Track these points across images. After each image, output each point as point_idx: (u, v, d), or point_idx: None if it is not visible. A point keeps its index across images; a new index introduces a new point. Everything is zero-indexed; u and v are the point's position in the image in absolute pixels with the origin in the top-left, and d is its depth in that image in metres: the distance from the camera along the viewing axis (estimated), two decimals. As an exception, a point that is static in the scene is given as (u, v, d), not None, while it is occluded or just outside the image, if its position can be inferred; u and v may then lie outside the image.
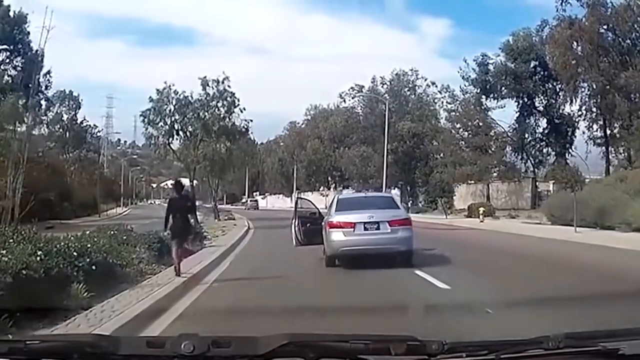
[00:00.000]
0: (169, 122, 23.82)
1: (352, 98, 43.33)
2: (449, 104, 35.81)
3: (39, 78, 35.98)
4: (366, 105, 41.65)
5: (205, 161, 25.31)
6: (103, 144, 64.87)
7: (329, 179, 60.85)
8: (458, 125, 33.76)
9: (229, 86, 24.62)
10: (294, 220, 10.54)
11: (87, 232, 8.37)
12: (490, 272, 8.56)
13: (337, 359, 1.46)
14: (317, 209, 11.21)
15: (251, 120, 26.18)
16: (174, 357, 1.46)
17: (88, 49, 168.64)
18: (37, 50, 36.03)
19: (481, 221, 22.32)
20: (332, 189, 59.97)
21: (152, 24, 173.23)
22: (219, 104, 24.50)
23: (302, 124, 63.89)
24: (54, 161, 35.38)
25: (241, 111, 25.12)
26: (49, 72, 37.08)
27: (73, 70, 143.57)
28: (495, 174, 32.33)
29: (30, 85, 24.09)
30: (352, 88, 42.60)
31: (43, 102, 36.87)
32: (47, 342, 1.57)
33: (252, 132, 33.38)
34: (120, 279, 6.66)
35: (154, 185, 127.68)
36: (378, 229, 9.00)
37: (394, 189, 39.21)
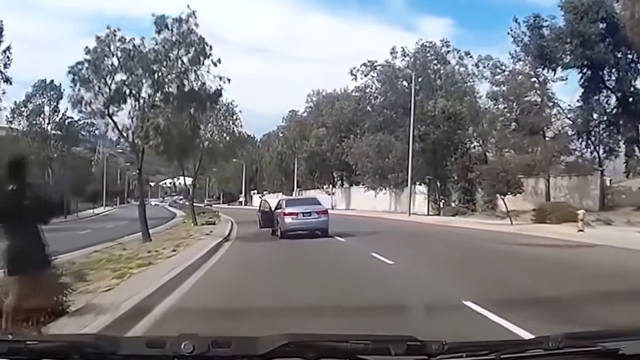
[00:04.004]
0: (110, 82, 19.97)
1: (365, 76, 43.05)
2: (496, 74, 35.06)
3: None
4: (385, 82, 41.60)
5: (157, 137, 20.67)
6: (99, 141, 68.32)
7: (334, 174, 61.53)
8: (511, 101, 32.50)
9: (196, 25, 20.49)
10: (259, 213, 23.03)
11: None
12: None
13: (337, 359, 1.84)
14: (270, 206, 22.75)
15: (229, 80, 21.51)
16: (174, 357, 1.83)
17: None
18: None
19: (580, 230, 18.89)
20: (338, 187, 60.81)
21: (151, 23, 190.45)
22: (181, 52, 20.48)
23: (303, 112, 65.18)
24: None
25: (215, 64, 20.83)
26: (8, 49, 38.15)
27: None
28: (562, 165, 30.97)
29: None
30: (364, 64, 42.52)
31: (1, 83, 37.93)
32: (47, 342, 1.97)
33: (240, 111, 33.45)
34: None
35: (152, 184, 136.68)
36: (310, 215, 19.72)
37: (420, 184, 39.15)
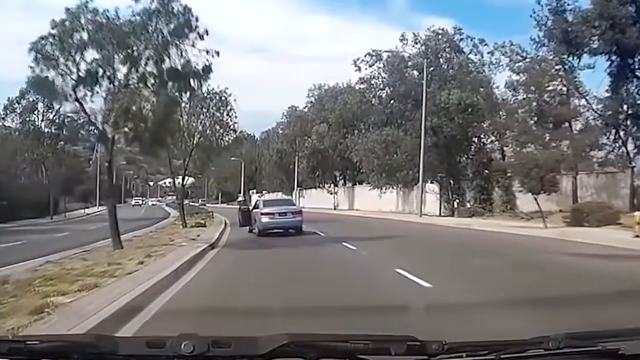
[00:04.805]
0: (78, 60, 18.44)
1: (370, 66, 42.63)
2: (517, 62, 34.50)
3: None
4: (393, 71, 41.42)
5: (127, 122, 18.95)
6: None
7: (337, 173, 61.80)
8: (532, 91, 31.97)
9: None
10: (239, 213, 25.74)
11: None
12: None
13: (337, 359, 1.96)
14: (248, 206, 27.03)
15: (217, 53, 19.48)
16: (174, 357, 1.97)
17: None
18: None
19: (637, 235, 17.47)
20: (341, 186, 61.10)
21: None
22: (160, 24, 18.86)
23: (304, 107, 65.95)
24: None
25: (201, 37, 19.14)
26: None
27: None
28: (593, 161, 29.80)
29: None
30: (369, 54, 42.21)
31: None
32: (47, 342, 2.11)
33: (235, 100, 32.93)
34: None
35: (151, 184, 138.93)
36: (286, 215, 22.60)
37: (431, 183, 39.04)
